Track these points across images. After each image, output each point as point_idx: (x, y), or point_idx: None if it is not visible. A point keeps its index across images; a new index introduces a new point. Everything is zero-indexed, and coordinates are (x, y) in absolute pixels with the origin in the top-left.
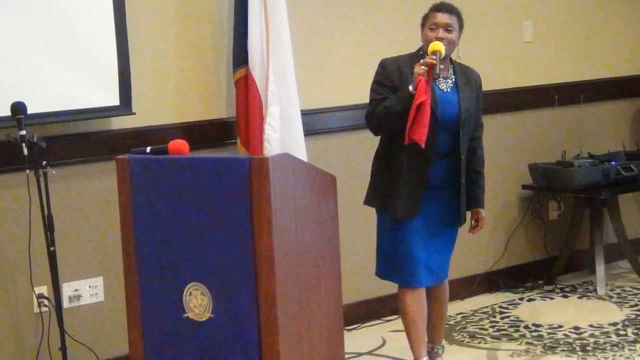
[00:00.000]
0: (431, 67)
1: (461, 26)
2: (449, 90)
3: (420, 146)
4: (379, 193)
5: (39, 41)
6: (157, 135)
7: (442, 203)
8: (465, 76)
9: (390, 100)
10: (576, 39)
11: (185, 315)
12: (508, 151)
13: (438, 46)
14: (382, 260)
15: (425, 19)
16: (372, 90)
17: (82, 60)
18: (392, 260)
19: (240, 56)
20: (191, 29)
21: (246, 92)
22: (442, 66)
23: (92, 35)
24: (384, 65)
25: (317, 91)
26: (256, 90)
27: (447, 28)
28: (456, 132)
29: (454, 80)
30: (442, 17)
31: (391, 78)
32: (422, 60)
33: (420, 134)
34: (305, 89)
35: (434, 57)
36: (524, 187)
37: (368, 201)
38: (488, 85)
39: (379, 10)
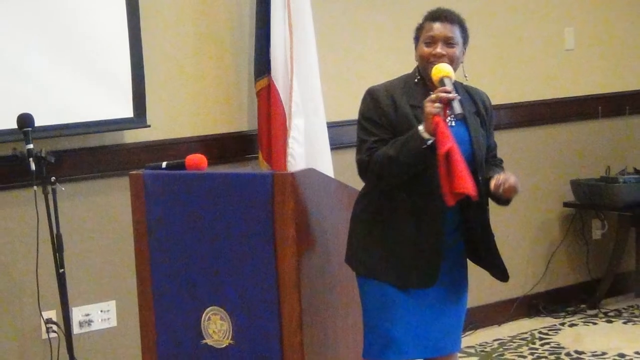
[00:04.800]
0: (447, 102)
1: (465, 39)
2: (454, 123)
3: (472, 197)
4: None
5: (47, 48)
6: (174, 149)
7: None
8: (473, 102)
9: (394, 148)
10: (621, 46)
11: (204, 341)
12: (548, 166)
13: (444, 70)
14: None
15: (420, 31)
16: (363, 129)
17: (94, 70)
18: None
19: (263, 64)
20: (210, 35)
21: (268, 103)
22: (459, 97)
23: (104, 43)
24: (375, 97)
25: (344, 102)
26: (279, 101)
27: (447, 42)
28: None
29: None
30: (440, 29)
31: (386, 114)
32: (432, 95)
33: (467, 185)
34: (332, 99)
35: (448, 87)
36: (565, 204)
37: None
38: (525, 95)
39: (413, 15)
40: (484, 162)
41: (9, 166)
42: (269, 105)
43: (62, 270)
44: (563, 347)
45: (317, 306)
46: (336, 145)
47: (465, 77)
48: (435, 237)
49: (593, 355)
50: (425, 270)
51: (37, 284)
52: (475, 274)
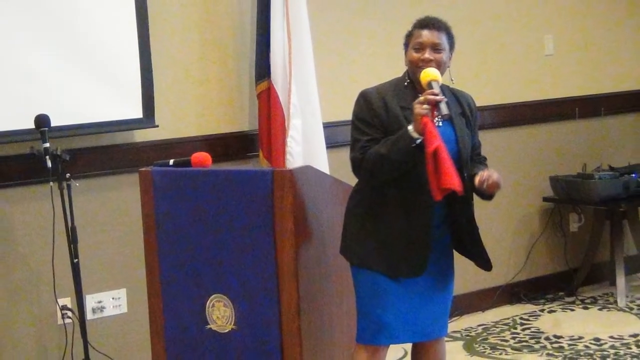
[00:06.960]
0: (435, 104)
1: (452, 45)
2: (441, 124)
3: (458, 193)
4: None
5: (62, 54)
6: (180, 148)
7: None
8: (459, 104)
9: (385, 146)
10: (597, 52)
11: (208, 326)
12: (528, 163)
13: (432, 74)
14: None
15: (409, 37)
16: (356, 128)
17: (106, 73)
18: None
19: (263, 69)
20: (214, 41)
21: (268, 104)
22: (446, 99)
23: (115, 48)
24: (367, 99)
25: (339, 103)
26: (279, 103)
27: (435, 47)
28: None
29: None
30: (428, 36)
31: (378, 115)
32: (421, 97)
33: (453, 181)
34: (327, 101)
35: (436, 90)
36: (545, 199)
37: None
38: (507, 97)
39: (403, 23)
40: (469, 159)
41: (27, 163)
42: (269, 107)
43: (77, 260)
44: (542, 332)
45: (314, 294)
46: (331, 144)
47: (452, 80)
48: (423, 230)
49: (570, 340)
50: (415, 261)
51: (53, 273)
52: (461, 263)
